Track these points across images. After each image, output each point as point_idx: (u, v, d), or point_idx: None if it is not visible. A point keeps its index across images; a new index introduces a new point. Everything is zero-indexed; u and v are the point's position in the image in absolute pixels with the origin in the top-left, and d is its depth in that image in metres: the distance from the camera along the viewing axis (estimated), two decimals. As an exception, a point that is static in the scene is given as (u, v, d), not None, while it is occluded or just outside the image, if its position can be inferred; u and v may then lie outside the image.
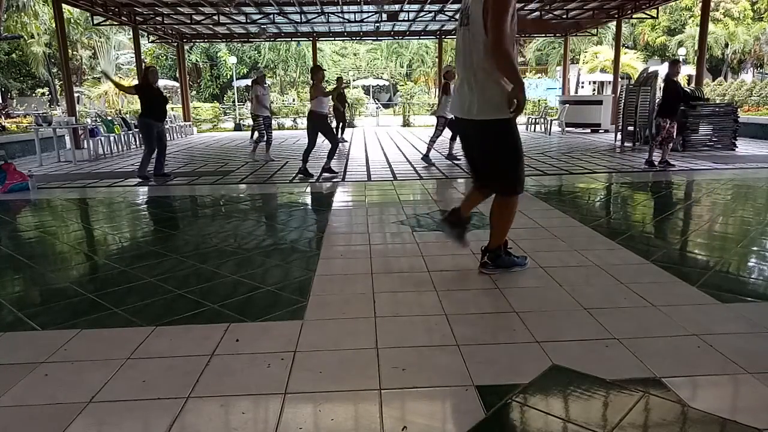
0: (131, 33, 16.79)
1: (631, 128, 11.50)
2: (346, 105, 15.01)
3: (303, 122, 21.85)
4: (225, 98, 29.39)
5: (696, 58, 15.89)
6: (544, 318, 2.61)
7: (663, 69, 11.04)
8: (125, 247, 4.35)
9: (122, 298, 3.02)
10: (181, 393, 1.99)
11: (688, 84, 20.80)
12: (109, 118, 14.49)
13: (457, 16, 3.07)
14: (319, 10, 14.95)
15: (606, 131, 15.02)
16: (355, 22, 16.62)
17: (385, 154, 10.71)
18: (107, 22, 16.30)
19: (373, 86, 34.63)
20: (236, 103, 22.80)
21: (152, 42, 22.12)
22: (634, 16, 16.89)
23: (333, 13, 15.45)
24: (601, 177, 7.46)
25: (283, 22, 16.79)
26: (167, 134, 15.70)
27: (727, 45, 30.98)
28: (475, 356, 2.22)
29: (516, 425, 1.80)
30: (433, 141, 9.10)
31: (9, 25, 23.84)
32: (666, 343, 2.32)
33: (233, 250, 3.98)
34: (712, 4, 23.00)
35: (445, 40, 20.46)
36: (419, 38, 23.21)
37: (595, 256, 3.57)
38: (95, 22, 16.65)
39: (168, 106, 8.90)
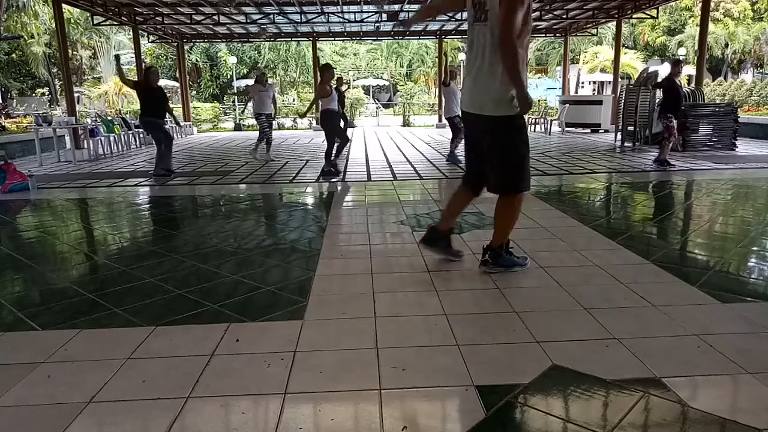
0: (131, 33, 16.79)
1: (631, 128, 11.51)
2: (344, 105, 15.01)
3: (303, 122, 21.89)
4: (225, 98, 29.38)
5: (696, 58, 15.89)
6: (544, 318, 2.61)
7: (663, 69, 11.05)
8: (125, 247, 4.35)
9: (122, 298, 3.02)
10: (181, 393, 1.99)
11: (688, 84, 20.78)
12: (109, 118, 14.49)
13: (467, 14, 3.05)
14: (319, 10, 14.95)
15: (606, 131, 15.03)
16: (355, 22, 16.62)
17: (385, 154, 10.71)
18: (107, 22, 16.29)
19: (373, 86, 34.62)
20: (236, 103, 22.80)
21: (152, 42, 22.12)
22: (634, 16, 16.88)
23: (333, 13, 15.45)
24: (601, 177, 7.46)
25: (283, 22, 16.79)
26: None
27: (727, 45, 30.98)
28: (475, 356, 2.22)
29: (516, 425, 1.80)
30: (458, 141, 9.01)
31: (9, 25, 23.84)
32: (666, 343, 2.32)
33: (233, 250, 3.98)
34: (712, 4, 23.00)
35: (445, 40, 20.46)
36: (419, 38, 23.23)
37: (595, 256, 3.57)
38: (95, 22, 16.65)
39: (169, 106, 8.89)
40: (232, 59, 27.12)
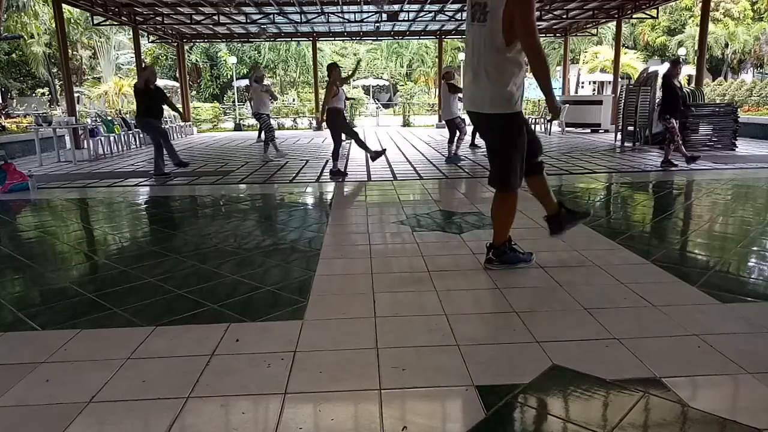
0: (131, 33, 16.79)
1: (631, 128, 11.50)
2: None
3: (303, 122, 21.90)
4: (225, 98, 29.38)
5: (696, 58, 15.89)
6: (544, 318, 2.62)
7: (663, 69, 11.03)
8: (125, 247, 4.35)
9: (122, 298, 3.02)
10: (181, 393, 1.99)
11: (688, 84, 20.78)
12: (109, 118, 14.48)
13: (465, 14, 3.07)
14: (319, 10, 14.94)
15: (606, 131, 15.03)
16: (355, 22, 16.62)
17: (385, 154, 10.70)
18: (107, 22, 16.29)
19: (373, 86, 34.62)
20: (236, 103, 22.79)
21: (152, 42, 22.12)
22: (634, 16, 16.88)
23: (333, 13, 15.45)
24: (601, 177, 7.46)
25: (283, 22, 16.79)
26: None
27: (727, 45, 30.97)
28: (475, 356, 2.22)
29: (516, 425, 1.80)
30: (452, 141, 9.06)
31: (9, 25, 23.84)
32: (666, 343, 2.32)
33: (233, 250, 3.98)
34: (712, 4, 23.00)
35: (445, 40, 20.45)
36: (419, 38, 23.20)
37: (595, 256, 3.57)
38: (95, 22, 16.65)
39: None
40: (232, 59, 27.10)
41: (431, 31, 19.27)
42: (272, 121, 11.04)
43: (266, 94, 10.29)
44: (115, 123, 12.95)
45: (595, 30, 20.41)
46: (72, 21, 24.58)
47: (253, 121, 14.15)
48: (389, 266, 3.49)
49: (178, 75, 21.10)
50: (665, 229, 4.63)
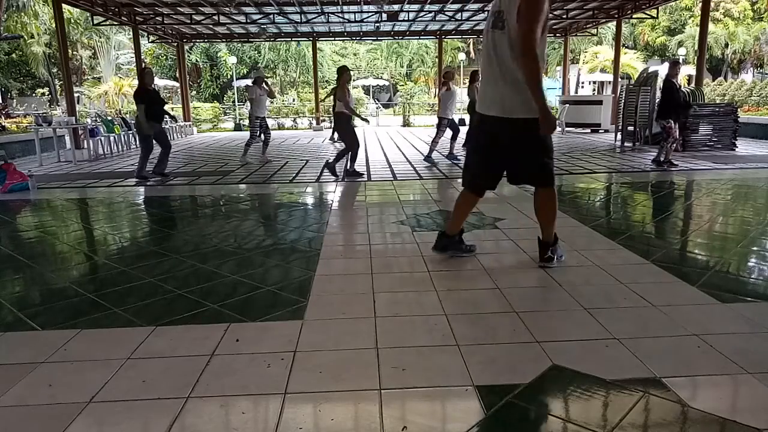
0: (131, 33, 16.79)
1: (631, 128, 11.51)
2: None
3: (303, 122, 21.90)
4: (225, 98, 29.39)
5: (696, 58, 15.89)
6: (544, 318, 2.62)
7: (663, 69, 11.03)
8: (125, 247, 4.35)
9: (122, 298, 3.02)
10: (181, 393, 1.99)
11: (688, 84, 20.78)
12: (109, 118, 14.48)
13: (484, 17, 3.09)
14: (319, 10, 14.95)
15: (606, 131, 15.03)
16: (355, 22, 16.62)
17: (385, 154, 10.71)
18: (107, 22, 16.30)
19: (373, 86, 34.62)
20: (236, 103, 22.79)
21: (152, 42, 22.12)
22: (634, 16, 16.89)
23: (333, 13, 15.45)
24: (601, 177, 7.46)
25: (283, 22, 16.79)
26: (168, 134, 15.77)
27: (727, 45, 30.97)
28: (475, 356, 2.22)
29: (516, 425, 1.80)
30: (435, 142, 9.16)
31: (9, 25, 23.84)
32: (666, 343, 2.32)
33: (233, 250, 3.98)
34: (712, 4, 23.00)
35: (445, 40, 20.45)
36: (419, 38, 23.21)
37: (595, 256, 3.57)
38: (95, 22, 16.66)
39: (168, 107, 8.86)
40: (232, 59, 27.11)
41: (431, 31, 19.27)
42: (271, 122, 11.01)
43: (265, 97, 10.26)
44: (115, 123, 12.95)
45: (595, 30, 20.42)
46: (72, 21, 24.59)
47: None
48: (389, 266, 3.49)
49: (178, 75, 21.11)
50: (665, 229, 4.63)
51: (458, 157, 9.10)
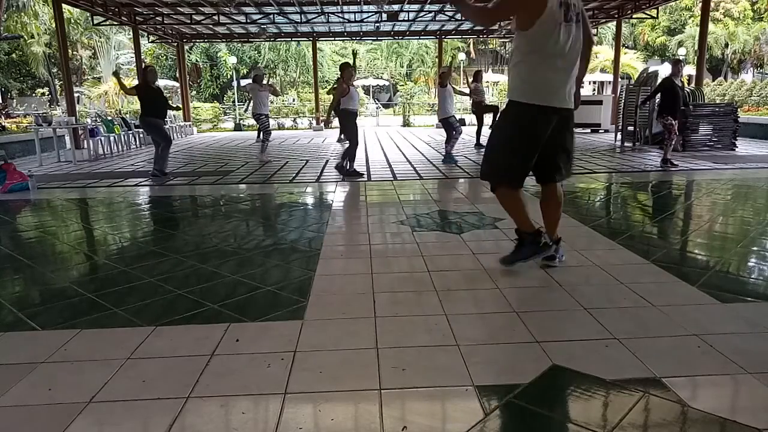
0: (131, 33, 16.79)
1: (631, 128, 11.51)
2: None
3: (302, 122, 21.90)
4: (225, 98, 29.39)
5: (696, 58, 15.89)
6: (544, 318, 2.62)
7: (663, 69, 11.05)
8: (125, 247, 4.35)
9: (122, 298, 3.02)
10: (181, 393, 1.99)
11: (688, 84, 20.77)
12: (109, 118, 14.48)
13: (559, 12, 2.96)
14: (319, 10, 14.94)
15: (606, 131, 15.02)
16: (355, 22, 16.62)
17: (385, 154, 10.71)
18: (107, 22, 16.29)
19: (373, 86, 34.62)
20: (236, 103, 22.79)
21: (152, 42, 22.12)
22: (634, 16, 16.88)
23: (333, 13, 15.45)
24: (601, 177, 7.46)
25: (283, 22, 16.79)
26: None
27: (727, 45, 30.97)
28: (475, 356, 2.22)
29: (516, 425, 1.80)
30: (452, 144, 9.03)
31: (9, 25, 23.84)
32: (666, 343, 2.32)
33: (233, 250, 3.98)
34: (712, 4, 23.00)
35: (445, 40, 20.43)
36: (419, 38, 23.20)
37: (595, 256, 3.57)
38: (95, 22, 16.64)
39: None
40: (232, 59, 27.10)
41: (431, 31, 19.26)
42: (271, 121, 11.01)
43: (265, 94, 10.26)
44: (115, 123, 12.94)
45: (595, 30, 20.43)
46: (72, 21, 24.59)
47: (253, 122, 14.12)
48: (389, 266, 3.49)
49: (178, 75, 21.10)
50: (665, 229, 4.62)
51: (455, 159, 9.04)
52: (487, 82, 28.96)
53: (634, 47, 34.16)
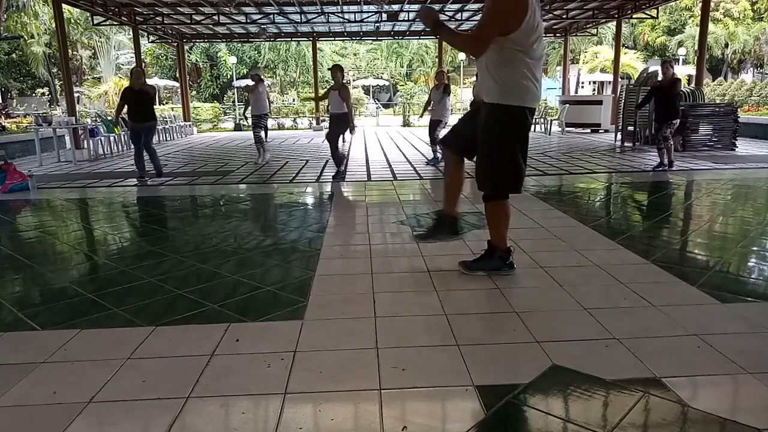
0: (131, 33, 16.79)
1: (631, 128, 11.51)
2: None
3: (302, 122, 21.90)
4: (225, 98, 29.39)
5: (696, 58, 15.89)
6: (544, 318, 2.61)
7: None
8: (125, 247, 4.35)
9: (122, 298, 3.02)
10: (181, 393, 1.99)
11: (688, 84, 20.76)
12: (109, 118, 14.46)
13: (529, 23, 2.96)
14: (319, 10, 14.95)
15: (606, 131, 15.03)
16: (355, 22, 16.62)
17: (385, 154, 10.71)
18: (107, 22, 16.29)
19: (373, 86, 34.62)
20: (236, 103, 22.79)
21: (152, 42, 22.12)
22: (634, 16, 16.89)
23: (333, 13, 15.45)
24: (601, 177, 7.46)
25: (283, 22, 16.79)
26: (167, 134, 15.76)
27: (727, 45, 30.96)
28: (475, 356, 2.22)
29: (516, 425, 1.80)
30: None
31: (9, 25, 23.84)
32: (666, 343, 2.32)
33: (233, 250, 3.98)
34: (712, 4, 22.99)
35: (445, 40, 20.32)
36: (419, 38, 23.20)
37: (595, 256, 3.57)
38: (95, 22, 16.65)
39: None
40: (232, 59, 27.12)
41: (431, 31, 19.22)
42: (270, 121, 10.95)
43: (265, 94, 10.19)
44: (115, 123, 12.92)
45: (595, 30, 20.42)
46: (72, 21, 24.58)
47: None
48: (389, 266, 3.49)
49: (178, 75, 21.11)
50: (665, 229, 4.62)
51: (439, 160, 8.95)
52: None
53: (634, 47, 34.16)
